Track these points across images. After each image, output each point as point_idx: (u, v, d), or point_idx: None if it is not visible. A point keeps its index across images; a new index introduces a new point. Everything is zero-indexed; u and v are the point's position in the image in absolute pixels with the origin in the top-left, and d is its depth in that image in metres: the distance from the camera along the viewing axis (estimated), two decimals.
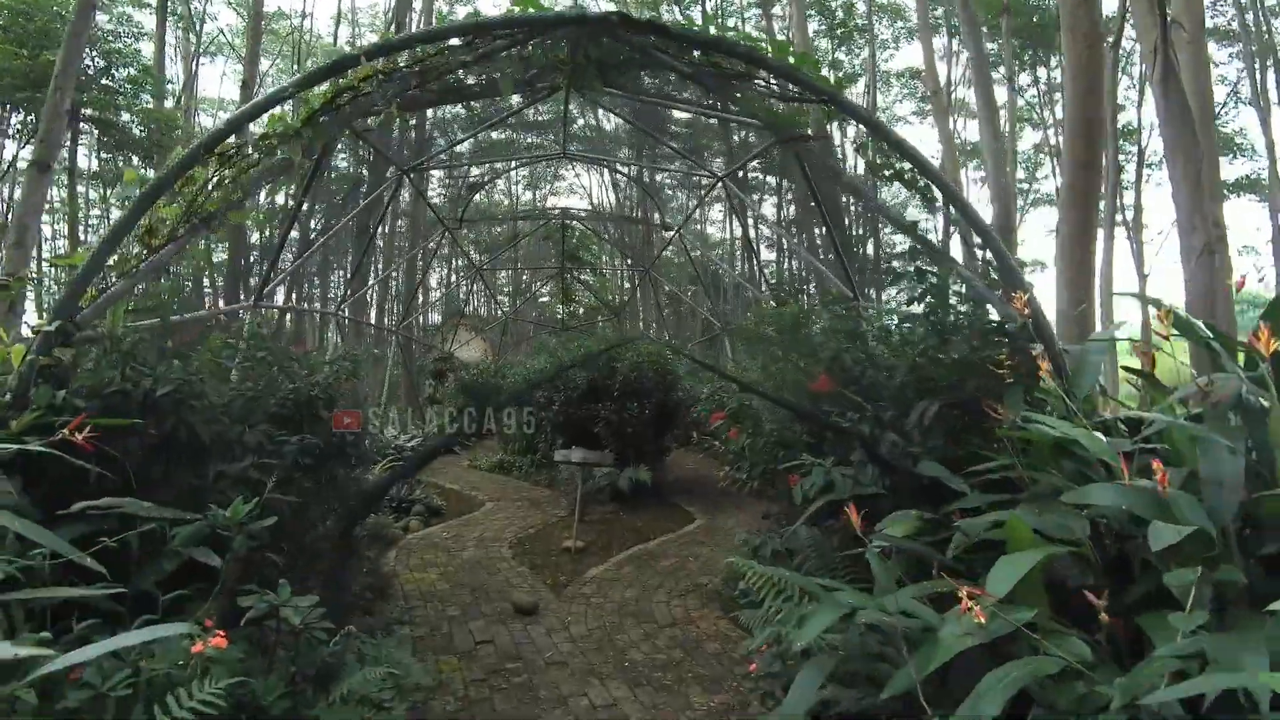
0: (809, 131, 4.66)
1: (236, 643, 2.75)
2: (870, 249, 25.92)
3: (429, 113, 24.64)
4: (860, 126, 4.47)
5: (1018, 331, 3.78)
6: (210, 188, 3.64)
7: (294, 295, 24.77)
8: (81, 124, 14.79)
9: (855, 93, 26.20)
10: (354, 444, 4.46)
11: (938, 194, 4.08)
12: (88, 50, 13.56)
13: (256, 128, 4.08)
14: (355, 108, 4.75)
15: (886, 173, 3.96)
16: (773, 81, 3.79)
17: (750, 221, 16.28)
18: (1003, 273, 3.70)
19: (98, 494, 2.98)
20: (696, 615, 4.97)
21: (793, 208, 25.70)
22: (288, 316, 19.68)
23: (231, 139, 3.73)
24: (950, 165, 18.49)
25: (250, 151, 3.52)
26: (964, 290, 3.97)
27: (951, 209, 3.91)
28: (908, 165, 3.92)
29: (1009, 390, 3.61)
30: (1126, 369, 3.44)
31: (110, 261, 3.73)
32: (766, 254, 25.36)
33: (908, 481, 3.59)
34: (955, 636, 2.03)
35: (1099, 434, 2.84)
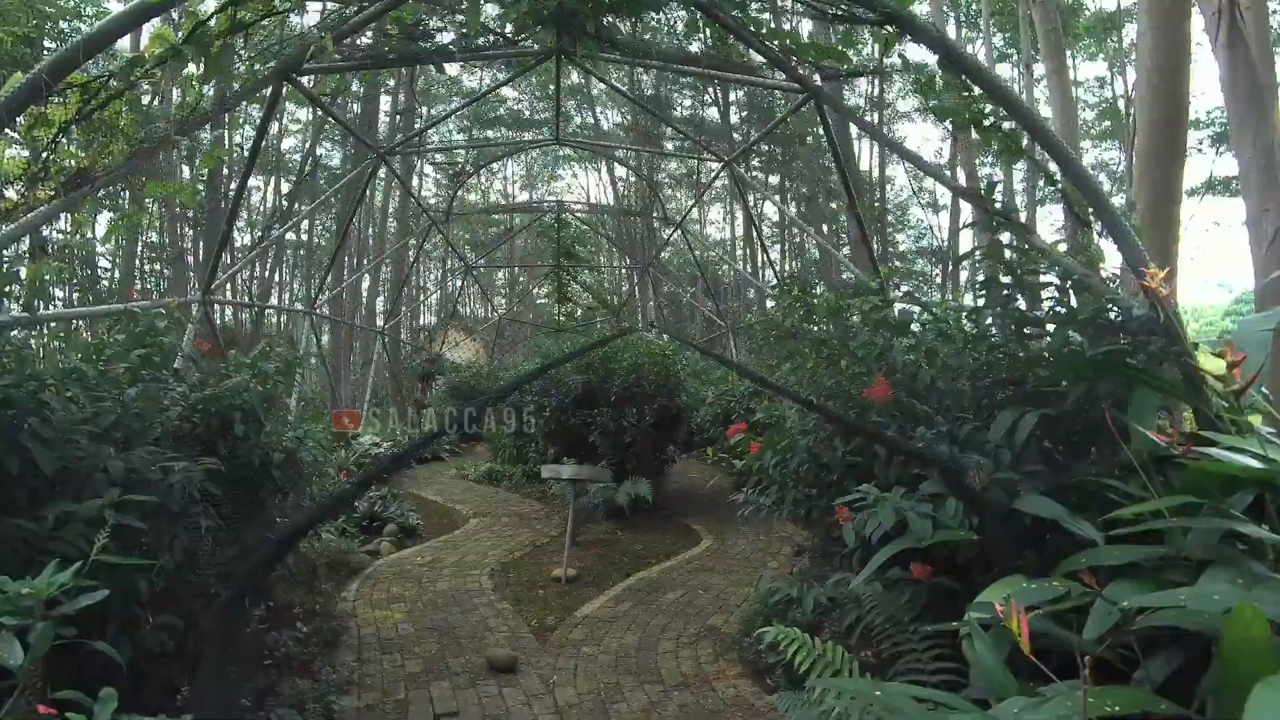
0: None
1: None
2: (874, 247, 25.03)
3: (422, 109, 23.81)
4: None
5: (1136, 321, 2.90)
6: (68, 133, 2.72)
7: (284, 293, 23.89)
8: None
9: (859, 87, 25.34)
10: (283, 464, 3.55)
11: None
12: (44, 27, 12.68)
13: None
14: (288, 55, 3.89)
15: (964, 116, 3.06)
16: None
17: (755, 212, 15.39)
18: (1122, 248, 2.81)
19: None
20: (711, 673, 4.06)
21: (794, 205, 24.88)
22: (268, 315, 18.78)
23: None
24: (966, 158, 17.66)
25: (114, 82, 2.61)
26: (1059, 271, 3.08)
27: (1049, 166, 3.02)
28: (988, 107, 3.02)
29: (1135, 397, 2.72)
30: None
31: None
32: (771, 251, 24.46)
33: (999, 521, 2.69)
34: None
35: None
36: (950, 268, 27.45)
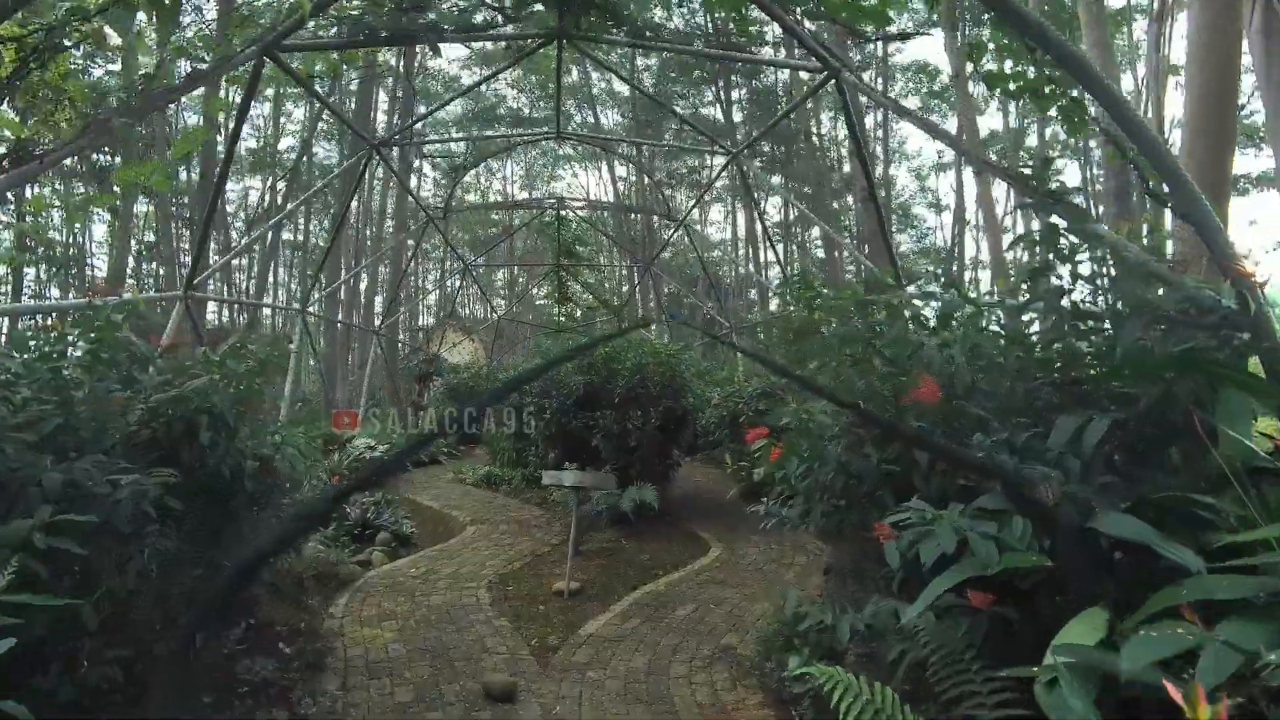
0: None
1: None
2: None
3: (420, 108, 23.52)
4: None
5: (1221, 314, 2.55)
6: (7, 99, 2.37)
7: (283, 293, 23.57)
8: None
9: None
10: (256, 474, 3.20)
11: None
12: None
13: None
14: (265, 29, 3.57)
15: (1012, 86, 2.72)
16: None
17: (759, 209, 15.07)
18: (1203, 232, 2.47)
19: None
20: (730, 702, 3.71)
21: (795, 207, 24.56)
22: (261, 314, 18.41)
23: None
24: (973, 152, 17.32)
25: (44, 28, 2.26)
26: (1132, 260, 2.74)
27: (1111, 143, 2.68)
28: (1046, 71, 2.68)
29: (1224, 398, 2.38)
30: None
31: None
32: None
33: (1070, 541, 2.34)
34: None
35: None
36: (955, 268, 27.17)
